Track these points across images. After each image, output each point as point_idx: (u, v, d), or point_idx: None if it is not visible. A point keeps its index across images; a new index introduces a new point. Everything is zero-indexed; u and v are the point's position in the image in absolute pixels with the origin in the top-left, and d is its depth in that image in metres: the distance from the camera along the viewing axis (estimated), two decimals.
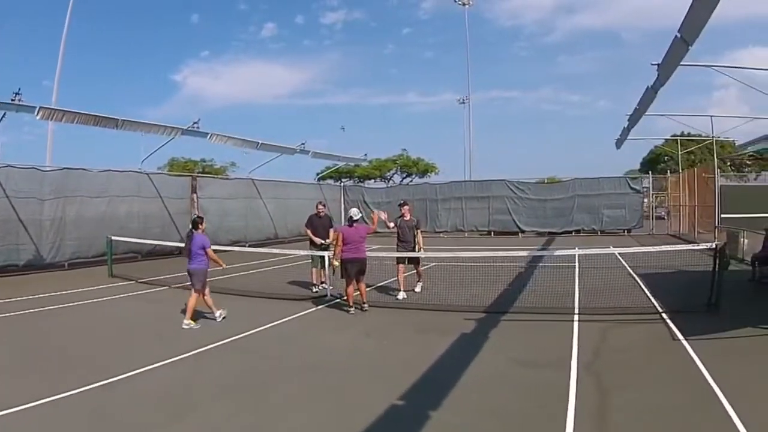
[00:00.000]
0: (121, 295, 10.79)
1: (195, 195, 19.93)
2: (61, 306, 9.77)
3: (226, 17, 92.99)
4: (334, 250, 9.17)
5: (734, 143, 37.67)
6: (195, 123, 17.50)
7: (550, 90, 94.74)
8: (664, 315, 8.20)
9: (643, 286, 10.76)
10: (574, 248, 11.14)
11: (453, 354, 6.46)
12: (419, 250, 10.40)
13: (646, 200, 28.67)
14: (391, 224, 10.43)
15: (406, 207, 10.58)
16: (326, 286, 10.36)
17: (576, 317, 8.19)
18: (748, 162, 38.23)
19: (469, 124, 46.34)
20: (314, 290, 10.74)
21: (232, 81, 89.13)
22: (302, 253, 12.02)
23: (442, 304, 9.33)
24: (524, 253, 12.23)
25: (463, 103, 51.16)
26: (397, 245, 10.51)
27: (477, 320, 8.10)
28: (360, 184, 40.80)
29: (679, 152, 27.01)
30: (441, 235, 27.62)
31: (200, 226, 8.43)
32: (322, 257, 10.31)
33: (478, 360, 6.19)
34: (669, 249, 10.02)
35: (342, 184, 35.23)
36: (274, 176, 25.33)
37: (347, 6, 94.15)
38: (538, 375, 5.68)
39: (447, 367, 5.92)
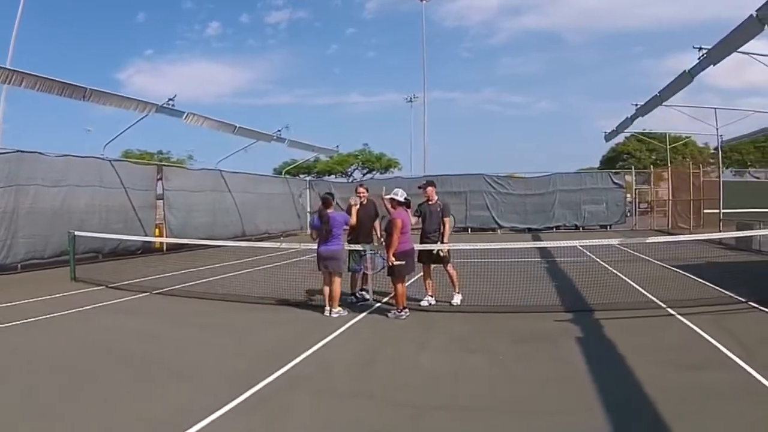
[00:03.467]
0: (93, 306, 9.33)
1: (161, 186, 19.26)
2: (14, 323, 7.99)
3: (172, 15, 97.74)
4: (391, 242, 8.05)
5: (707, 144, 41.39)
6: (170, 100, 16.86)
7: (492, 91, 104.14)
8: (752, 304, 8.38)
9: (694, 277, 11.04)
10: (575, 241, 11.29)
11: (599, 364, 5.87)
12: (442, 244, 8.96)
13: (629, 195, 30.09)
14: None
15: (430, 188, 9.12)
16: (371, 286, 9.22)
17: (670, 310, 8.14)
18: (710, 161, 41.49)
19: (424, 121, 48.16)
20: (353, 299, 9.35)
21: (176, 80, 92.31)
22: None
23: (501, 305, 8.71)
24: (545, 245, 12.49)
25: (411, 101, 53.79)
26: (421, 238, 9.11)
27: (570, 321, 7.76)
28: (322, 179, 41.20)
29: (671, 150, 28.78)
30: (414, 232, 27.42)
31: (331, 204, 8.43)
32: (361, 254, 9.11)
33: (634, 367, 5.71)
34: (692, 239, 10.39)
35: (308, 179, 35.46)
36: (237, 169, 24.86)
37: (292, 5, 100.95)
38: (718, 378, 5.39)
39: (615, 382, 5.38)
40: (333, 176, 46.48)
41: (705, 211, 23.25)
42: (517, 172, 31.28)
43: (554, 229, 27.85)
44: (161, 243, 17.67)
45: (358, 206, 9.13)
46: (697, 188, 23.91)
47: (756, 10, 9.32)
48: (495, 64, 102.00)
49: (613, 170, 31.29)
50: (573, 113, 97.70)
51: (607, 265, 13.21)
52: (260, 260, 15.86)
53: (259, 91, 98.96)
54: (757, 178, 37.83)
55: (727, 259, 14.15)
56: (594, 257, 14.77)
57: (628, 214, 29.21)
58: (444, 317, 8.38)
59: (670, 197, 26.80)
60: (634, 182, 30.64)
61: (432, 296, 9.14)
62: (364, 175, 48.82)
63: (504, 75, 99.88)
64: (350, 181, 42.56)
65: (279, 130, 23.27)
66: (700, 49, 12.06)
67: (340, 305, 8.31)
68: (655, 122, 33.68)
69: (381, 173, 48.09)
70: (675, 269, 12.28)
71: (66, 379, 5.59)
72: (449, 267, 9.20)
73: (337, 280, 8.28)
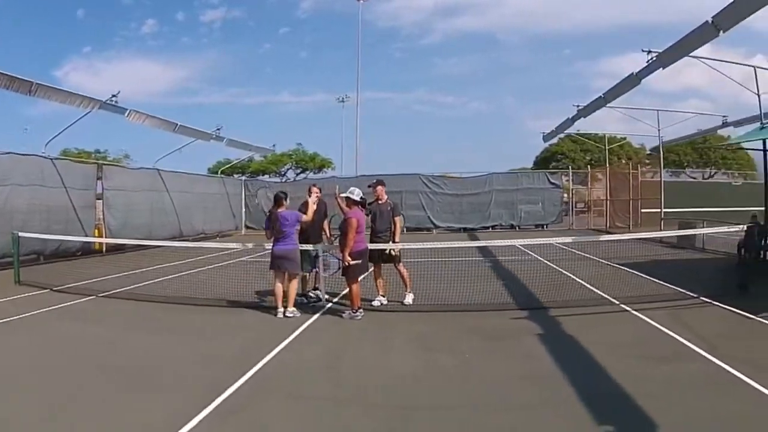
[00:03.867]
0: (40, 311, 8.97)
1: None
2: None
3: (110, 12, 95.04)
4: (347, 242, 8.04)
5: (643, 145, 43.68)
6: (113, 96, 16.84)
7: (423, 91, 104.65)
8: (704, 299, 8.83)
9: (642, 275, 11.53)
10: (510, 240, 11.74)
11: (567, 360, 6.00)
12: (394, 244, 9.06)
13: (565, 195, 31.19)
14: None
15: (380, 187, 9.24)
16: (322, 287, 9.21)
17: (624, 307, 8.47)
18: (646, 161, 43.96)
19: (356, 121, 49.01)
20: (305, 300, 9.30)
21: (112, 78, 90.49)
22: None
23: (454, 304, 8.82)
24: (491, 243, 12.71)
25: (343, 101, 55.11)
26: (371, 237, 9.11)
27: (527, 319, 7.94)
28: (256, 178, 40.71)
29: (610, 151, 30.06)
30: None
31: (284, 203, 8.47)
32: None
33: (602, 361, 5.89)
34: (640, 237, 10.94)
35: (243, 178, 35.23)
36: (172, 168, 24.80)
37: (228, 4, 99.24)
38: (688, 369, 5.64)
39: (587, 375, 5.51)
40: (267, 176, 46.57)
41: (643, 210, 24.47)
42: (451, 171, 31.95)
43: (490, 229, 28.54)
44: (101, 244, 17.67)
45: (315, 205, 9.06)
46: (635, 188, 25.09)
47: (712, 17, 9.95)
48: (427, 65, 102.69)
49: (550, 170, 32.35)
50: (505, 114, 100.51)
51: (552, 264, 13.62)
52: (202, 261, 15.74)
53: (191, 90, 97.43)
54: (694, 178, 40.21)
55: (671, 257, 14.90)
56: (537, 256, 15.16)
57: (565, 214, 30.21)
58: (399, 317, 8.41)
59: (608, 197, 27.86)
60: (571, 182, 31.77)
61: (383, 296, 9.16)
62: (297, 174, 49.20)
63: (436, 75, 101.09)
64: (283, 180, 42.96)
65: (218, 129, 23.45)
66: (649, 52, 12.67)
67: (294, 306, 8.34)
68: (589, 123, 35.15)
69: (314, 173, 48.66)
70: (622, 267, 12.77)
71: (16, 390, 5.26)
72: (400, 266, 9.24)
73: (291, 281, 8.33)
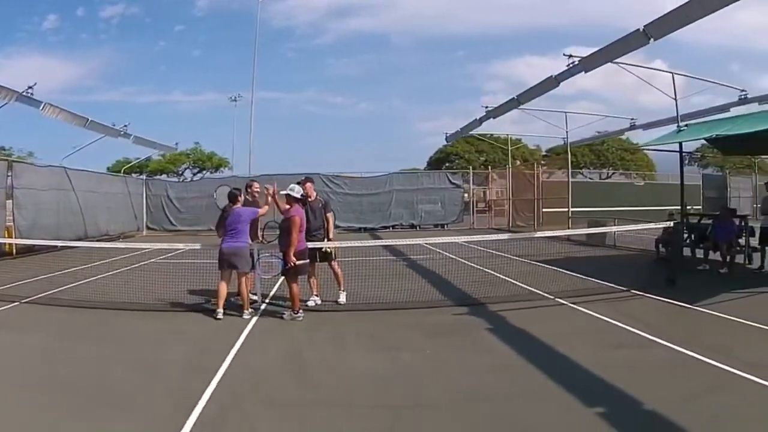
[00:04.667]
0: None
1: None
2: None
3: (15, 6, 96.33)
4: (291, 242, 8.14)
5: (538, 146, 46.56)
6: (30, 87, 16.84)
7: (314, 91, 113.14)
8: (634, 291, 9.78)
9: (564, 270, 12.50)
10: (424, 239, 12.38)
11: (528, 351, 6.44)
12: (328, 242, 9.39)
13: (466, 195, 32.72)
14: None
15: (309, 184, 9.43)
16: (259, 290, 9.34)
17: (560, 300, 9.22)
18: (543, 162, 47.12)
19: (251, 121, 49.77)
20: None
21: (12, 75, 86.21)
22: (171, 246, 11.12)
23: (389, 302, 9.21)
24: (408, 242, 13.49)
25: (235, 101, 57.41)
26: (305, 236, 8.99)
27: (469, 314, 8.45)
28: (155, 178, 40.79)
29: (502, 151, 31.72)
30: None
31: (239, 200, 8.67)
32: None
33: (564, 350, 6.41)
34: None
35: (144, 178, 34.97)
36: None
37: (126, 0, 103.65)
38: (650, 354, 6.32)
39: (554, 364, 5.96)
40: (165, 175, 46.79)
41: (544, 210, 26.15)
42: (346, 171, 32.61)
43: (390, 228, 29.42)
44: (11, 246, 17.53)
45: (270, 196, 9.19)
46: (537, 188, 26.84)
47: (644, 25, 11.12)
48: (319, 65, 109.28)
49: (451, 170, 33.80)
50: (394, 115, 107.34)
51: (469, 262, 14.44)
52: (118, 262, 15.28)
53: (87, 88, 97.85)
54: (591, 178, 43.38)
55: (585, 254, 16.12)
56: (451, 255, 15.81)
57: (466, 214, 31.63)
58: (339, 316, 8.66)
59: (510, 197, 29.56)
60: (471, 182, 33.46)
61: (317, 295, 9.39)
62: (194, 174, 49.96)
63: (328, 76, 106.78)
64: (181, 180, 43.53)
65: (125, 126, 23.42)
66: (570, 56, 13.79)
67: (224, 306, 8.41)
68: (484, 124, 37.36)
69: (211, 172, 49.57)
70: (540, 264, 13.68)
71: None
72: (335, 264, 9.51)
73: (242, 280, 8.45)
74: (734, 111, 14.79)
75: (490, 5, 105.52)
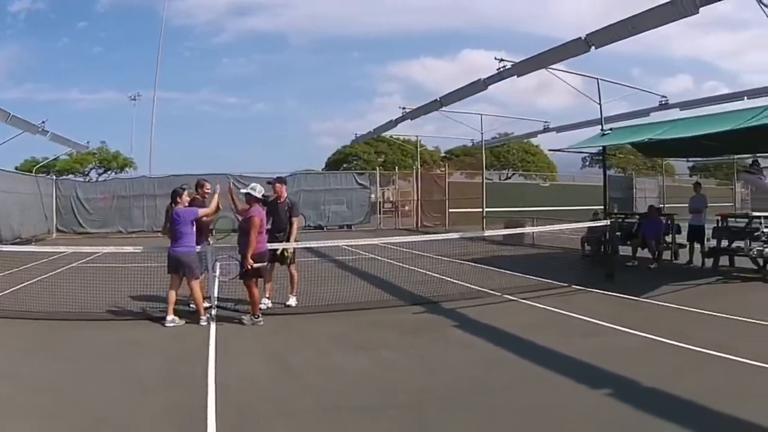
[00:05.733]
0: None
1: None
2: None
3: None
4: (249, 243, 8.16)
5: (437, 147, 48.14)
6: None
7: (208, 91, 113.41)
8: (576, 286, 10.73)
9: (496, 269, 13.26)
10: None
11: (506, 344, 7.04)
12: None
13: (373, 196, 33.45)
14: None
15: (279, 185, 9.86)
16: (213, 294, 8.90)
17: (509, 297, 9.97)
18: (441, 163, 48.91)
19: (152, 120, 51.39)
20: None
21: None
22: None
23: (343, 303, 9.48)
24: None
25: (135, 99, 58.10)
26: (268, 238, 9.22)
27: (428, 313, 8.96)
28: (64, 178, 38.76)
29: (401, 152, 32.76)
30: (133, 235, 27.33)
31: (180, 199, 8.41)
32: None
33: (541, 342, 7.05)
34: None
35: (54, 178, 33.04)
36: None
37: None
38: (620, 341, 7.12)
39: (536, 354, 6.56)
40: (72, 175, 45.13)
41: (452, 210, 27.52)
42: (249, 172, 32.72)
43: None
44: None
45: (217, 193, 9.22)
46: (446, 189, 28.04)
47: (587, 34, 12.03)
48: (216, 64, 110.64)
49: (358, 171, 34.62)
50: (289, 115, 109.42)
51: (397, 263, 14.84)
52: (38, 268, 14.07)
53: None
54: (490, 179, 45.37)
55: (509, 253, 16.98)
56: (376, 256, 16.21)
57: (372, 214, 32.39)
58: (298, 319, 8.79)
59: (418, 198, 30.65)
60: (378, 183, 34.34)
61: (269, 298, 9.48)
62: (100, 174, 48.82)
63: (223, 75, 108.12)
64: (86, 180, 42.05)
65: (43, 122, 22.73)
66: (501, 60, 14.55)
67: (174, 312, 8.30)
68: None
69: (117, 172, 48.74)
70: (469, 263, 14.38)
71: None
72: (292, 267, 9.70)
73: (192, 285, 8.35)
74: (653, 116, 16.31)
75: (387, 6, 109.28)
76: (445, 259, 15.04)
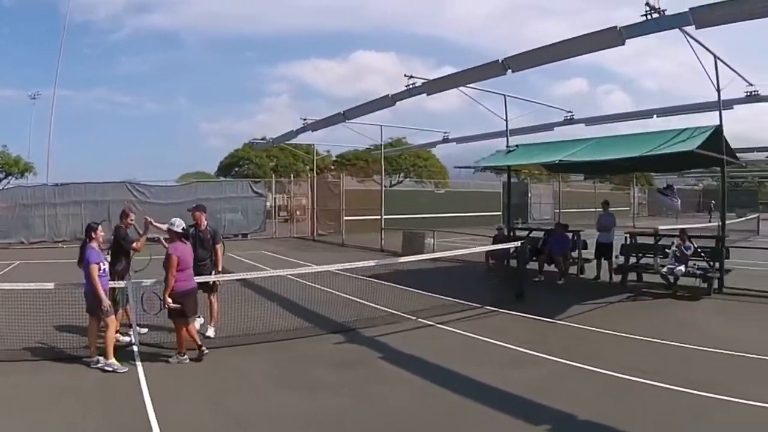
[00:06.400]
0: None
1: None
2: None
3: None
4: (167, 281, 8.01)
5: (329, 151, 48.59)
6: None
7: (104, 90, 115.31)
8: (489, 307, 11.19)
9: (403, 287, 13.31)
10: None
11: (441, 378, 7.24)
12: (217, 274, 9.63)
13: (268, 204, 33.63)
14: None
15: (199, 213, 9.82)
16: (135, 329, 8.74)
17: (425, 321, 10.24)
18: (332, 167, 49.42)
19: (51, 122, 47.88)
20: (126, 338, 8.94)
21: None
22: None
23: (259, 333, 9.37)
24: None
25: (34, 99, 54.17)
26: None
27: (348, 342, 9.08)
28: None
29: (293, 156, 32.89)
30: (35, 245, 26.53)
31: (95, 235, 8.09)
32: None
33: (465, 373, 7.37)
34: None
35: None
36: None
37: None
38: (546, 369, 7.57)
39: (470, 388, 6.84)
40: None
41: (347, 218, 27.98)
42: (148, 180, 32.34)
43: None
44: None
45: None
46: (338, 196, 28.38)
47: (504, 58, 12.68)
48: (113, 62, 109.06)
49: (253, 179, 34.82)
50: (181, 116, 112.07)
51: (305, 281, 14.11)
52: None
53: None
54: (379, 182, 46.42)
55: (411, 268, 16.96)
56: (280, 273, 15.89)
57: (267, 220, 32.57)
58: (226, 354, 8.56)
59: (313, 206, 31.34)
60: (273, 190, 34.78)
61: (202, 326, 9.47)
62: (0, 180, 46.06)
63: (119, 74, 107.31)
64: None
65: None
66: (411, 77, 14.98)
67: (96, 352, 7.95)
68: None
69: (16, 178, 45.95)
70: (376, 280, 14.24)
71: None
72: (214, 297, 9.57)
73: (107, 326, 7.97)
74: (557, 130, 17.24)
75: (283, 6, 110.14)
76: (348, 275, 14.98)
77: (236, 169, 55.25)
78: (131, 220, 9.60)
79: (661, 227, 15.81)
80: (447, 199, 35.86)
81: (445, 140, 24.86)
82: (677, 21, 10.76)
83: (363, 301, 11.95)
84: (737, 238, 23.61)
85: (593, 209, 37.72)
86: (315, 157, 34.56)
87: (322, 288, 13.19)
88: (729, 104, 14.81)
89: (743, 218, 30.45)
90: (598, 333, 9.31)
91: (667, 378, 6.78)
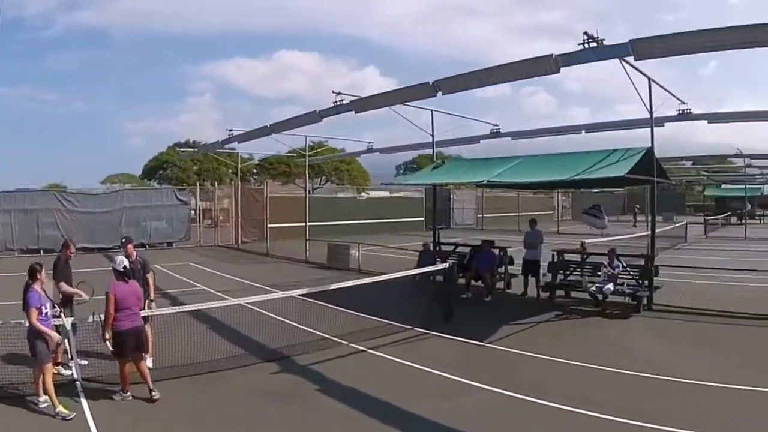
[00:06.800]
0: None
1: None
2: None
3: None
4: (105, 319, 8.00)
5: (251, 155, 48.40)
6: None
7: (29, 88, 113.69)
8: (420, 329, 11.37)
9: (328, 305, 13.13)
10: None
11: (387, 413, 7.32)
12: (150, 303, 9.69)
13: (193, 212, 33.75)
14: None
15: (129, 245, 10.02)
16: (77, 363, 8.71)
17: (356, 346, 10.37)
18: (254, 170, 49.40)
19: None
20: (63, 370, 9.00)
21: None
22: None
23: (198, 363, 9.31)
24: None
25: None
26: None
27: (284, 372, 9.09)
28: None
29: (215, 160, 32.82)
30: None
31: (39, 276, 7.89)
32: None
33: (417, 407, 7.46)
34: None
35: None
36: None
37: None
38: (480, 398, 7.79)
39: (408, 421, 7.06)
40: None
41: (270, 225, 28.43)
42: (72, 186, 32.02)
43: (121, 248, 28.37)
44: None
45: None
46: (261, 204, 28.86)
47: (434, 81, 13.07)
48: (41, 59, 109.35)
49: (179, 187, 35.66)
50: (106, 115, 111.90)
51: (224, 295, 14.54)
52: None
53: None
54: (302, 187, 46.70)
55: (335, 281, 16.80)
56: (206, 287, 15.82)
57: (193, 228, 32.91)
58: (166, 387, 8.36)
59: (236, 213, 31.67)
60: (198, 198, 34.82)
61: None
62: None
63: (46, 71, 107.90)
64: None
65: None
66: (339, 93, 15.21)
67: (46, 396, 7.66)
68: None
69: None
70: (305, 298, 13.23)
71: None
72: (147, 326, 9.35)
73: (37, 367, 7.78)
74: (484, 143, 17.63)
75: (210, 4, 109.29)
76: (279, 292, 14.73)
77: (160, 172, 55.42)
78: (71, 252, 9.74)
79: (587, 241, 16.22)
80: (369, 204, 36.25)
81: (370, 150, 25.11)
82: (617, 51, 11.28)
83: (295, 324, 11.91)
84: (665, 245, 24.64)
85: (516, 213, 39.07)
86: (239, 165, 34.63)
87: (254, 308, 12.96)
88: (660, 122, 15.57)
89: (671, 224, 31.46)
90: (529, 357, 9.55)
91: (599, 407, 7.07)
